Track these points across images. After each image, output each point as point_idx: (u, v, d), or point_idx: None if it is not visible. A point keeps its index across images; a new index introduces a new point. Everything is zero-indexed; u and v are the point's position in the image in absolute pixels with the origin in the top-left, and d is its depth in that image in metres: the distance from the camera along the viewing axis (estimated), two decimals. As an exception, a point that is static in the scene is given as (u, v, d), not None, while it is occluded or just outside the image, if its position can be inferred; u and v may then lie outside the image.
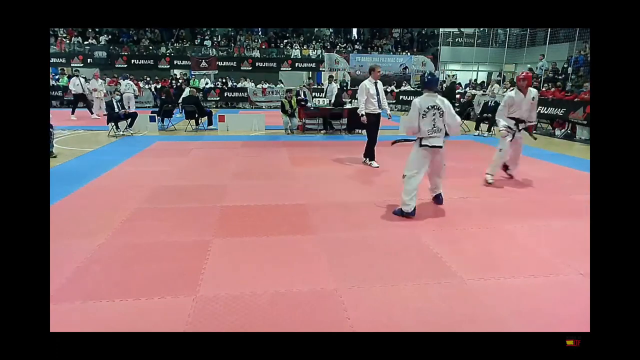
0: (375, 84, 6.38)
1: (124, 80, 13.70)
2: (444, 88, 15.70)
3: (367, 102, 6.34)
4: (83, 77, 13.71)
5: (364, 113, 6.32)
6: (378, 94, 6.36)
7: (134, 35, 20.92)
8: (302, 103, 10.90)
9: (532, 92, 5.40)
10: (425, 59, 20.07)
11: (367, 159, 6.70)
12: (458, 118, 4.24)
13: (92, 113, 13.03)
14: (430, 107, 4.00)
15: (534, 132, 6.24)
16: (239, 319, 2.36)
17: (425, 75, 4.54)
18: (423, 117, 4.01)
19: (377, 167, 6.49)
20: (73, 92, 13.11)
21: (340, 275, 2.91)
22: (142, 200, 4.58)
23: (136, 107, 13.31)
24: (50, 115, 6.85)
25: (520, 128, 5.57)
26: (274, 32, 22.42)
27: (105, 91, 14.09)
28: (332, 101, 10.72)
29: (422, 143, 4.08)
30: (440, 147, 4.12)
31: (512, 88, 5.50)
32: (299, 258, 3.20)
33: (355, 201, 4.66)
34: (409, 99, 17.95)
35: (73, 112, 12.72)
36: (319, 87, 17.98)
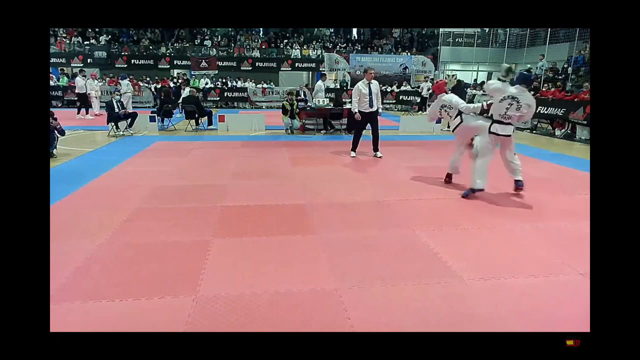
0: (369, 84, 6.86)
1: (122, 80, 13.73)
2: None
3: (360, 102, 6.90)
4: (84, 77, 13.73)
5: (356, 111, 6.96)
6: (370, 94, 6.85)
7: (134, 35, 20.94)
8: (302, 104, 10.89)
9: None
10: (425, 59, 20.09)
11: (354, 152, 7.28)
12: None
13: (87, 113, 13.05)
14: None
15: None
16: (239, 319, 2.36)
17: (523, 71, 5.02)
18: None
19: (354, 156, 7.16)
20: (79, 92, 13.21)
21: (340, 275, 2.91)
22: (142, 200, 4.58)
23: (136, 107, 13.35)
24: (59, 122, 6.88)
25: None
26: (274, 32, 22.44)
27: (99, 91, 14.07)
28: (325, 95, 10.79)
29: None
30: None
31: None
32: (299, 258, 3.20)
33: (355, 201, 4.66)
34: (408, 99, 17.98)
35: (79, 112, 12.87)
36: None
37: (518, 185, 4.90)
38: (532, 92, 12.80)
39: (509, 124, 4.59)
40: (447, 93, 5.50)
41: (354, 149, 7.29)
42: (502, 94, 4.52)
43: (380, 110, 7.11)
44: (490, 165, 5.76)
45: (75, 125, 10.88)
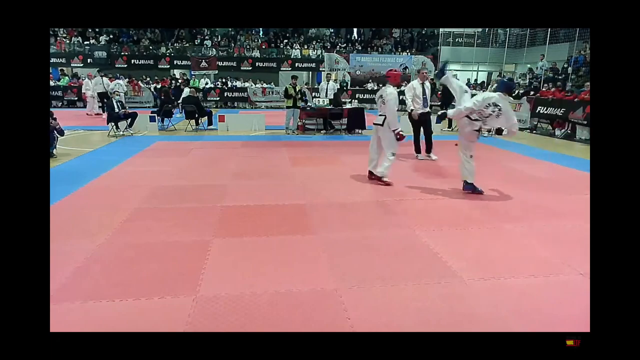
0: (422, 85, 6.83)
1: (117, 79, 13.74)
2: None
3: (412, 101, 6.85)
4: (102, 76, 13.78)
5: (412, 109, 6.92)
6: (424, 94, 6.83)
7: (134, 35, 20.92)
8: (302, 103, 10.87)
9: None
10: (425, 59, 20.09)
11: (419, 154, 7.25)
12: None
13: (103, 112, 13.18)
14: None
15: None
16: (239, 319, 2.36)
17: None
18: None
19: (436, 158, 7.00)
20: (98, 92, 13.24)
21: (340, 275, 2.91)
22: (142, 200, 4.58)
23: (136, 107, 13.37)
24: (58, 122, 6.89)
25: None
26: (274, 32, 22.42)
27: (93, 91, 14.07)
28: (327, 95, 10.82)
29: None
30: None
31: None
32: (299, 258, 3.20)
33: (355, 201, 4.66)
34: (408, 99, 17.93)
35: (104, 111, 12.87)
36: (316, 87, 18.00)
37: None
38: (533, 92, 12.88)
39: (477, 120, 4.68)
40: (399, 87, 5.74)
41: (418, 150, 7.27)
42: (489, 100, 4.60)
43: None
44: (489, 166, 5.77)
45: (75, 125, 10.88)
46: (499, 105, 4.53)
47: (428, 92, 6.89)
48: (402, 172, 6.17)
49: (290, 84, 10.34)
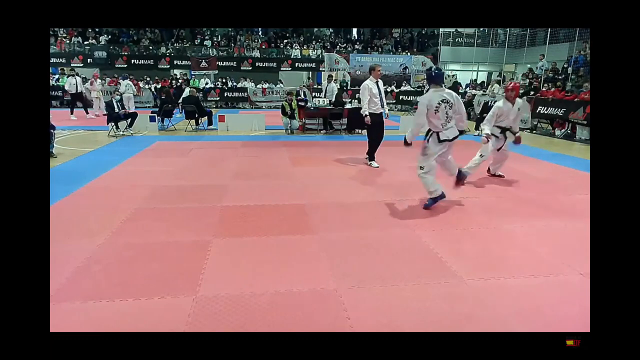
0: (377, 83, 6.35)
1: (123, 80, 13.76)
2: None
3: (369, 102, 6.31)
4: (82, 77, 13.72)
5: (367, 113, 6.30)
6: (380, 94, 6.36)
7: (134, 35, 20.94)
8: (302, 103, 10.89)
9: (519, 102, 5.48)
10: (425, 59, 20.07)
11: (368, 159, 6.71)
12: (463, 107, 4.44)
13: (87, 113, 13.23)
14: (440, 102, 4.13)
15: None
16: (239, 319, 2.36)
17: (432, 69, 4.49)
18: (435, 112, 4.14)
19: (377, 167, 6.49)
20: (70, 92, 13.19)
21: (340, 275, 2.91)
22: (142, 200, 4.58)
23: (136, 107, 13.37)
24: (51, 116, 6.89)
25: (506, 136, 5.57)
26: (274, 32, 22.44)
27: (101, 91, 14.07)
28: (332, 100, 10.76)
29: (441, 138, 4.22)
30: (456, 137, 4.32)
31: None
32: (299, 258, 3.20)
33: (355, 201, 4.66)
34: (408, 99, 17.95)
35: (72, 112, 12.77)
36: (319, 87, 17.95)
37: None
38: (533, 93, 12.87)
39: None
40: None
41: (374, 158, 6.64)
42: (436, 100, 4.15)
43: (387, 112, 6.63)
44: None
45: (75, 126, 10.88)
46: (444, 99, 4.13)
47: (382, 91, 6.41)
48: (402, 172, 6.16)
49: (286, 101, 10.39)
